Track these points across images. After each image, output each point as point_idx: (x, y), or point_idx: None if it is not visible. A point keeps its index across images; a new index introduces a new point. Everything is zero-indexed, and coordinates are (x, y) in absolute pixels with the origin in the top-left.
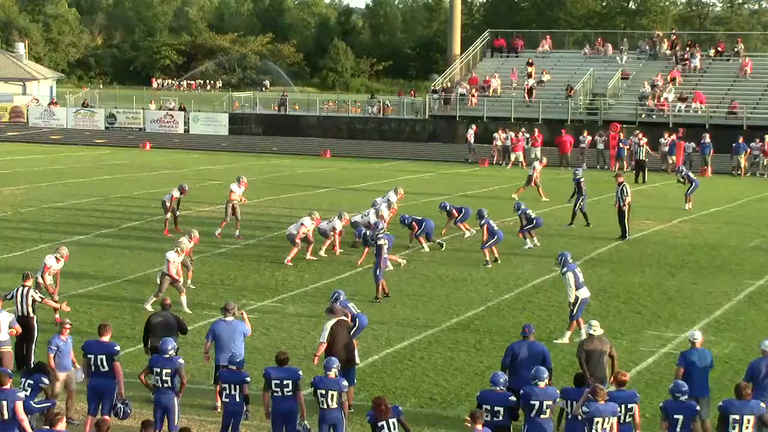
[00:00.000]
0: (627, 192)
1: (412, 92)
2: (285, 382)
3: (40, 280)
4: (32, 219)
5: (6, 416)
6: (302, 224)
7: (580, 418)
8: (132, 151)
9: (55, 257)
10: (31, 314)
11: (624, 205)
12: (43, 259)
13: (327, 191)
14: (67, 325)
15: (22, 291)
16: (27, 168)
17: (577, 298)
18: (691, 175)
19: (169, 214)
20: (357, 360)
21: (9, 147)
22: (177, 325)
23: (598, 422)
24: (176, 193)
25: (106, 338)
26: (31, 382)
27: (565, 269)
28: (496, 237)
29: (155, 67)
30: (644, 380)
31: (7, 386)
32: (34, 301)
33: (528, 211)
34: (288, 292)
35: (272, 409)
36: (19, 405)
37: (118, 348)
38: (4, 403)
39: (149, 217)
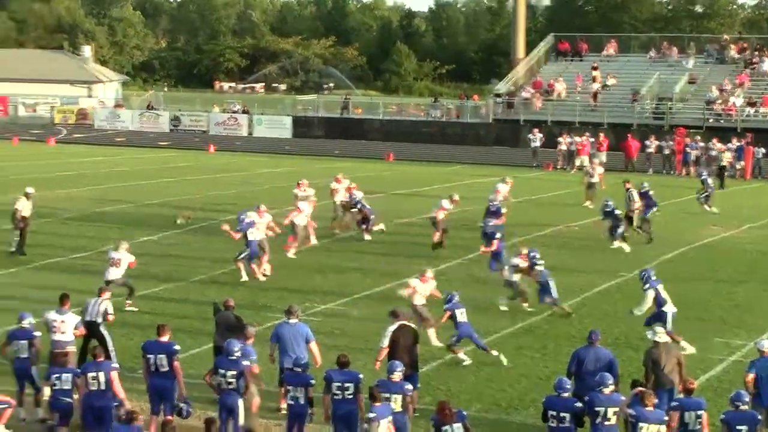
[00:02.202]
0: (633, 198)
1: (475, 96)
2: (346, 385)
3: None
4: (97, 220)
5: (103, 386)
6: (441, 207)
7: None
8: (196, 153)
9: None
10: (99, 321)
11: (631, 211)
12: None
13: (390, 195)
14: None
15: (97, 300)
16: (92, 170)
17: (664, 313)
18: (710, 180)
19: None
20: (418, 366)
21: (75, 149)
22: (238, 325)
23: (642, 428)
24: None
25: (165, 338)
26: (69, 375)
27: (647, 286)
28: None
29: (219, 70)
30: (712, 388)
31: (102, 358)
32: (106, 311)
33: (617, 212)
34: (352, 295)
35: (333, 412)
36: (114, 375)
37: (177, 347)
38: (101, 374)
39: (212, 220)
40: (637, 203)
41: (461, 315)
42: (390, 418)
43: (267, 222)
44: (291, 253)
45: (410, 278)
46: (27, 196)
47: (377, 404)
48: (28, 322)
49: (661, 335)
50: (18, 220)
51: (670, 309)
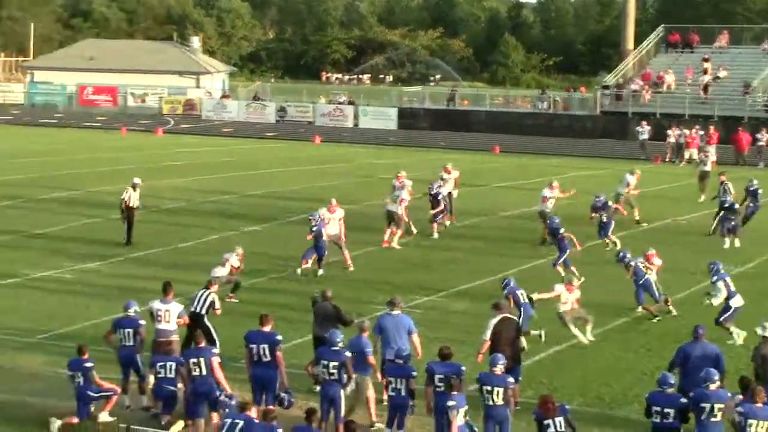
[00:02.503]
0: (730, 191)
1: (582, 88)
2: (448, 377)
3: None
4: (202, 211)
5: (204, 372)
6: (543, 197)
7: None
8: (302, 144)
9: (237, 258)
10: (203, 313)
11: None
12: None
13: (494, 188)
14: None
15: (204, 292)
16: (199, 160)
17: (730, 306)
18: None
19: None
20: (521, 359)
21: (182, 139)
22: (336, 316)
23: (752, 425)
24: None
25: (267, 328)
26: (173, 363)
27: (716, 278)
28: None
29: (325, 61)
30: None
31: (203, 344)
32: (212, 304)
33: (736, 206)
34: (453, 288)
35: (435, 403)
36: (215, 361)
37: (279, 338)
38: (202, 360)
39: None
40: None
41: (522, 296)
42: (466, 407)
43: (340, 217)
44: (395, 243)
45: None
46: (134, 186)
47: (455, 393)
48: (134, 310)
49: None
50: (124, 211)
51: (735, 303)
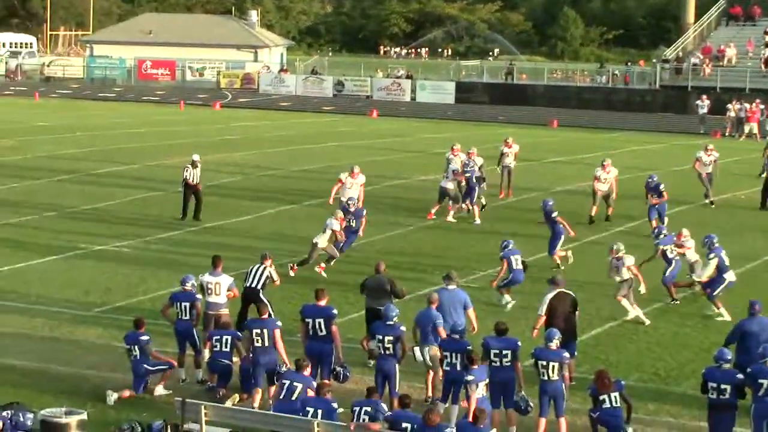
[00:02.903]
0: None
1: (641, 62)
2: (504, 352)
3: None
4: (261, 184)
5: (266, 343)
6: (595, 177)
7: None
8: (359, 118)
9: (337, 222)
10: (259, 288)
11: None
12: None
13: (550, 162)
14: None
15: (259, 267)
16: (257, 134)
17: (724, 279)
18: None
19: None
20: (577, 334)
21: (240, 113)
22: (391, 288)
23: None
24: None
25: (323, 302)
26: (228, 337)
27: (712, 254)
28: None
29: (383, 35)
30: None
31: (266, 316)
32: (269, 277)
33: None
34: None
35: (490, 378)
36: (278, 333)
37: (335, 311)
38: (265, 330)
39: (374, 185)
40: None
41: (516, 262)
42: (486, 380)
43: (361, 182)
44: (450, 216)
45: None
46: (194, 164)
47: (475, 367)
48: (191, 284)
49: None
50: (186, 187)
51: (729, 277)
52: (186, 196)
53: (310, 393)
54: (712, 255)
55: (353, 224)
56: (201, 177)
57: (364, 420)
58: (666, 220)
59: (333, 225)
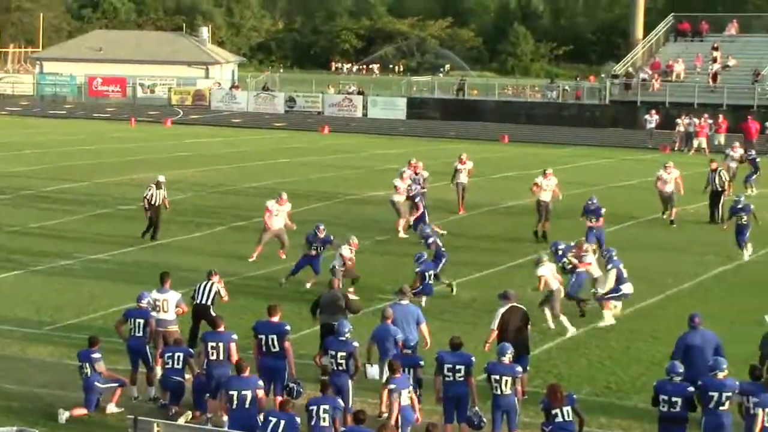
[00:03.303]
0: (724, 177)
1: (591, 77)
2: (458, 366)
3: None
4: (213, 201)
5: (221, 356)
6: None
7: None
8: (311, 134)
9: (349, 248)
10: (209, 303)
11: (719, 188)
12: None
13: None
14: None
15: (206, 283)
16: (209, 151)
17: (620, 290)
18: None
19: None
20: (529, 348)
21: (191, 130)
22: (345, 303)
23: None
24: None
25: (275, 318)
26: (181, 354)
27: (610, 266)
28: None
29: (335, 51)
30: None
31: (222, 329)
32: (218, 293)
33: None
34: (461, 277)
35: (444, 393)
36: (233, 346)
37: (288, 327)
38: (221, 344)
39: (326, 200)
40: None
41: (429, 277)
42: (410, 388)
43: (287, 210)
44: (401, 234)
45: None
46: (158, 185)
47: (397, 375)
48: (146, 301)
49: None
50: (148, 209)
51: (626, 289)
52: (150, 216)
53: (259, 393)
54: (610, 266)
55: (319, 251)
56: (164, 198)
57: (323, 418)
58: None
59: (344, 252)
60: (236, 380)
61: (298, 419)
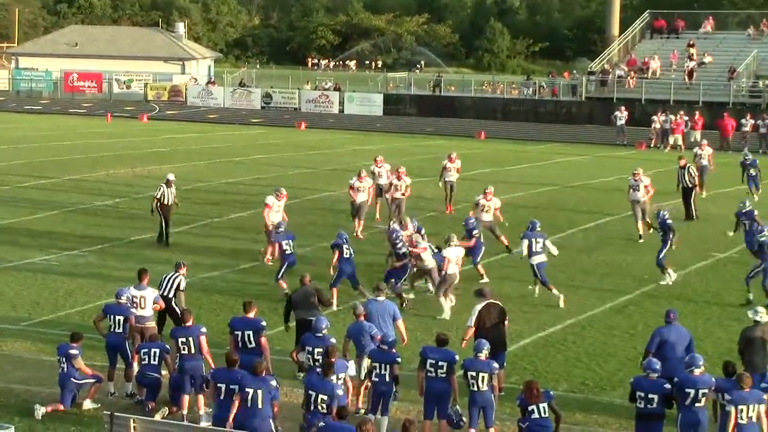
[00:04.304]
0: (694, 173)
1: (566, 74)
2: (440, 363)
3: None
4: (188, 197)
5: (193, 350)
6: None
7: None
8: (287, 130)
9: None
10: (171, 296)
11: (689, 185)
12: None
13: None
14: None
15: (172, 275)
16: (185, 146)
17: (531, 264)
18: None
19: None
20: (506, 344)
21: (167, 125)
22: (318, 297)
23: (742, 410)
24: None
25: (251, 314)
26: (157, 350)
27: (522, 235)
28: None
29: (311, 47)
30: None
31: (190, 323)
32: (178, 287)
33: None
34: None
35: (426, 389)
36: (203, 339)
37: (264, 323)
38: (190, 339)
39: (303, 197)
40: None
41: (347, 251)
42: (347, 373)
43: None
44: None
45: None
46: (168, 183)
47: (333, 359)
48: (125, 297)
49: (763, 315)
50: (157, 210)
51: (535, 260)
52: (161, 217)
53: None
54: (522, 236)
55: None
56: (174, 197)
57: (322, 407)
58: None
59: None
60: (225, 373)
61: (274, 382)
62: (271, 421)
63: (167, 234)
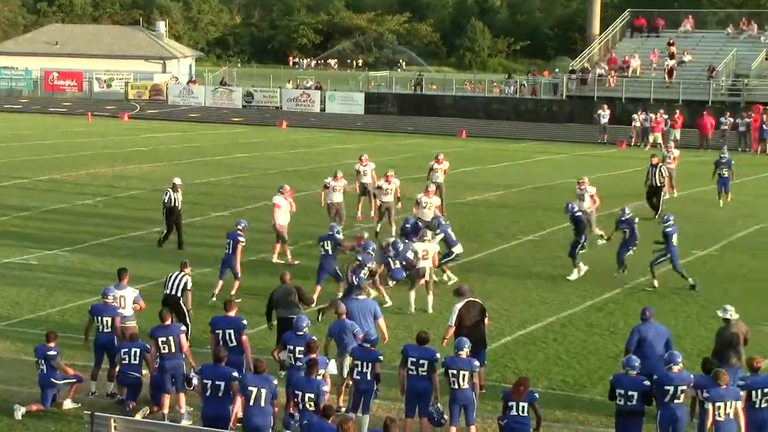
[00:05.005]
0: (665, 173)
1: (546, 72)
2: (421, 361)
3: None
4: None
5: (173, 349)
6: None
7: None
8: (269, 129)
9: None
10: (178, 295)
11: (659, 184)
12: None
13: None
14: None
15: (177, 274)
16: (166, 145)
17: (452, 252)
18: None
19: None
20: (486, 342)
21: (148, 124)
22: (298, 296)
23: (720, 407)
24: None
25: (232, 313)
26: (137, 350)
27: (439, 230)
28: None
29: (292, 46)
30: None
31: (169, 322)
32: (185, 287)
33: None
34: None
35: (407, 386)
36: (183, 338)
37: (245, 322)
38: (170, 338)
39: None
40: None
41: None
42: (326, 367)
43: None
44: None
45: None
46: (174, 187)
47: (312, 355)
48: (112, 296)
49: (731, 313)
50: (167, 214)
51: (457, 249)
52: (168, 221)
53: (235, 384)
54: (439, 231)
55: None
56: (181, 201)
57: (309, 405)
58: None
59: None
60: (211, 369)
61: (275, 381)
62: (271, 418)
63: (180, 238)
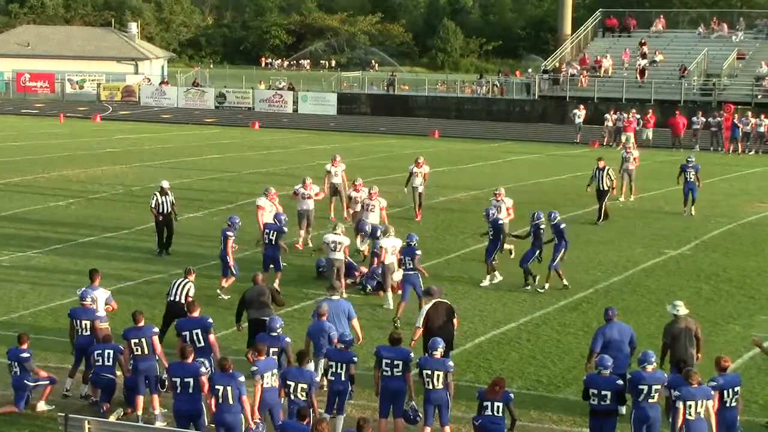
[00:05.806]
0: (613, 176)
1: (517, 72)
2: (395, 362)
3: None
4: (144, 198)
5: (146, 351)
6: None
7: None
8: (241, 130)
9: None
10: (182, 302)
11: (605, 187)
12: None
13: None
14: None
15: (181, 281)
16: (138, 147)
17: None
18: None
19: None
20: (453, 345)
21: (121, 126)
22: (271, 297)
23: (690, 405)
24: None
25: (196, 314)
26: (111, 351)
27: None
28: None
29: (265, 47)
30: (756, 366)
31: (142, 323)
32: (188, 294)
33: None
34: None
35: (381, 387)
36: (156, 339)
37: (210, 321)
38: (143, 339)
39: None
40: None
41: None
42: (275, 370)
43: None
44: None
45: None
46: (162, 191)
47: (261, 358)
48: (90, 299)
49: (680, 308)
50: (156, 217)
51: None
52: (158, 226)
53: (203, 378)
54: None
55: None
56: (173, 204)
57: (300, 395)
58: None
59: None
60: (179, 366)
61: (242, 378)
62: (241, 416)
63: (168, 243)
